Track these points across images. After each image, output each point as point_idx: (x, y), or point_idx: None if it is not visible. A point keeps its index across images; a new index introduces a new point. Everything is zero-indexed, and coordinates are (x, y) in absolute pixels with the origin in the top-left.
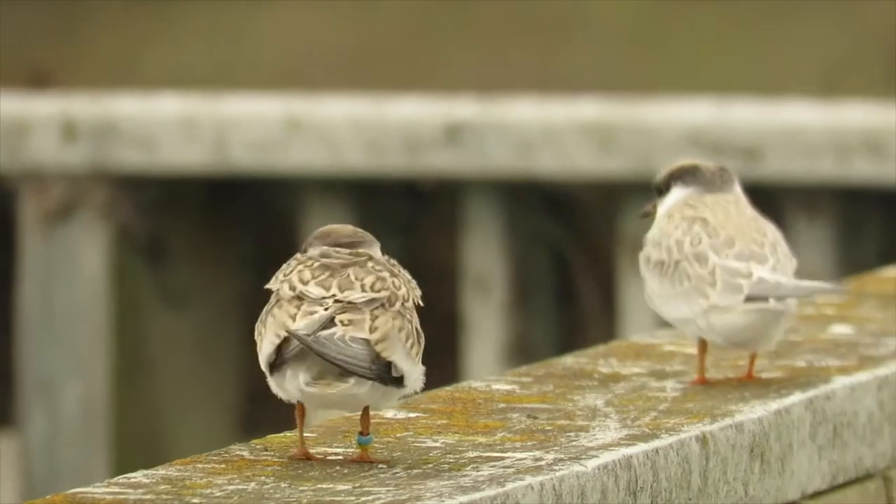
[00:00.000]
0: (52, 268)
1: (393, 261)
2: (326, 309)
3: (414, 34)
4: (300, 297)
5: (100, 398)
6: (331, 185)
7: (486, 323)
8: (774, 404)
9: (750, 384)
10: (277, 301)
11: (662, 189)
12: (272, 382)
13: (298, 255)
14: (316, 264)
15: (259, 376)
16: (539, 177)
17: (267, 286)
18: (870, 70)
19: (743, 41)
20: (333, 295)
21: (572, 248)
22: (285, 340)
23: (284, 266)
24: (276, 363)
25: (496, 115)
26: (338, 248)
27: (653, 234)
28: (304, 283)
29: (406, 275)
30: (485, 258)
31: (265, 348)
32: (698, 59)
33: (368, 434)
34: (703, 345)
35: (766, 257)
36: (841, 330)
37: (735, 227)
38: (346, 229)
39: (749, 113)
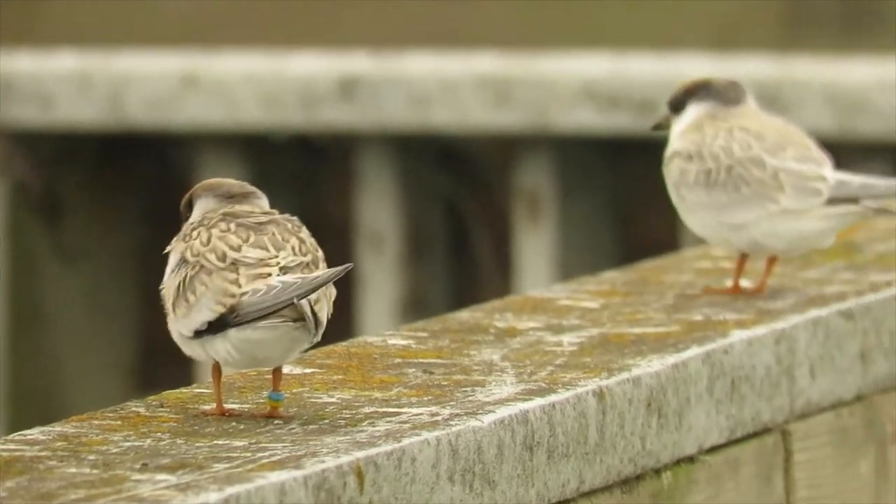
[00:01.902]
0: None
1: (293, 217)
2: (281, 270)
3: None
4: (235, 263)
5: None
6: (226, 140)
7: (380, 278)
8: (671, 358)
9: (648, 339)
10: (201, 268)
11: (677, 106)
12: (194, 345)
13: (202, 217)
14: (233, 226)
15: (155, 333)
16: (434, 131)
17: (171, 250)
18: (762, 24)
19: None
20: (273, 255)
21: (468, 202)
22: (231, 308)
23: (188, 229)
24: (215, 327)
25: (391, 70)
26: (230, 205)
27: (681, 147)
28: (236, 248)
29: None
30: (379, 213)
31: (201, 315)
32: (594, 14)
33: (280, 391)
34: (744, 257)
35: (824, 159)
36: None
37: (775, 133)
38: (234, 182)
39: (644, 66)
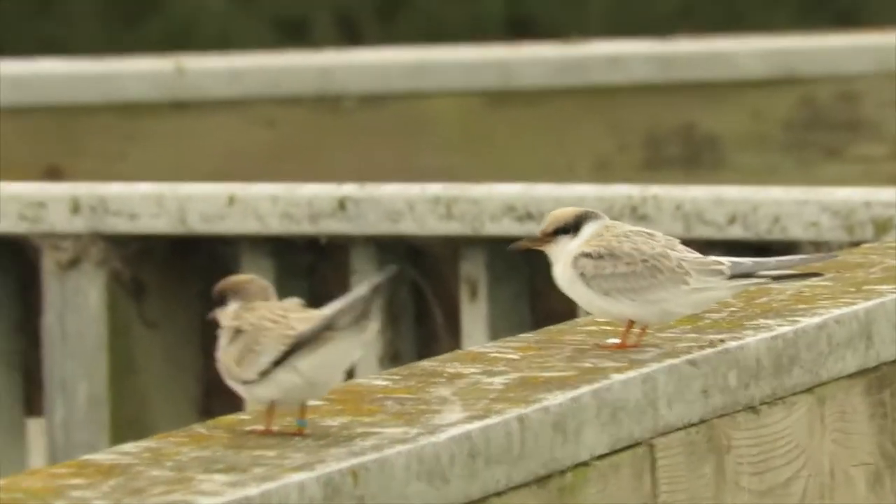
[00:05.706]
0: (65, 303)
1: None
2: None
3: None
4: (287, 318)
5: (101, 394)
6: (258, 244)
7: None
8: (570, 393)
9: (554, 380)
10: (259, 329)
11: (571, 228)
12: (257, 387)
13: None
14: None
15: (213, 379)
16: (404, 237)
17: (220, 333)
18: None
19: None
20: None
21: (427, 286)
22: (291, 345)
23: (230, 320)
24: (279, 362)
25: (372, 193)
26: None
27: (590, 250)
28: (284, 314)
29: None
30: None
31: (266, 357)
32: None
33: (305, 419)
34: (631, 323)
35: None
36: None
37: (648, 236)
38: (256, 284)
39: (549, 188)
